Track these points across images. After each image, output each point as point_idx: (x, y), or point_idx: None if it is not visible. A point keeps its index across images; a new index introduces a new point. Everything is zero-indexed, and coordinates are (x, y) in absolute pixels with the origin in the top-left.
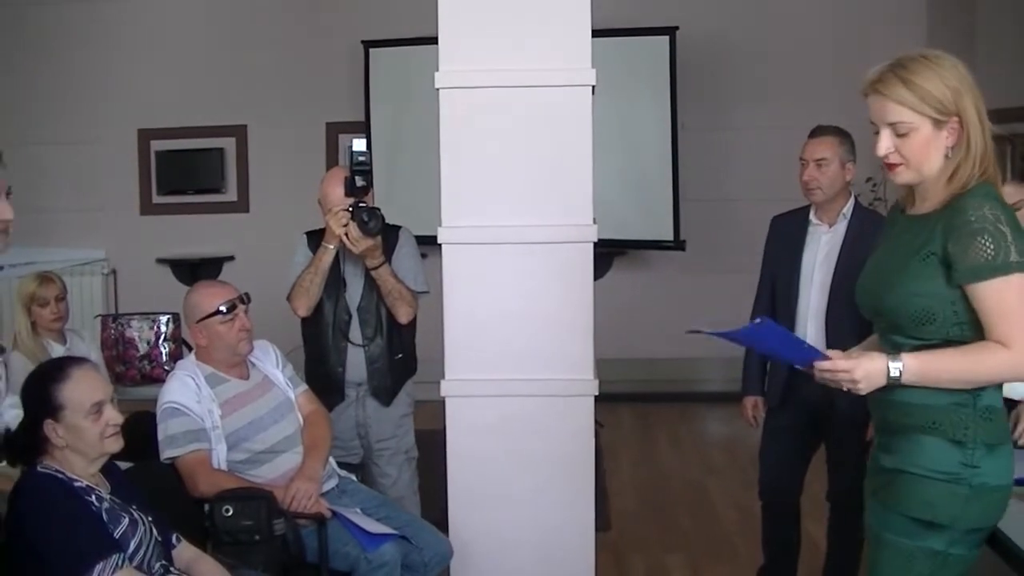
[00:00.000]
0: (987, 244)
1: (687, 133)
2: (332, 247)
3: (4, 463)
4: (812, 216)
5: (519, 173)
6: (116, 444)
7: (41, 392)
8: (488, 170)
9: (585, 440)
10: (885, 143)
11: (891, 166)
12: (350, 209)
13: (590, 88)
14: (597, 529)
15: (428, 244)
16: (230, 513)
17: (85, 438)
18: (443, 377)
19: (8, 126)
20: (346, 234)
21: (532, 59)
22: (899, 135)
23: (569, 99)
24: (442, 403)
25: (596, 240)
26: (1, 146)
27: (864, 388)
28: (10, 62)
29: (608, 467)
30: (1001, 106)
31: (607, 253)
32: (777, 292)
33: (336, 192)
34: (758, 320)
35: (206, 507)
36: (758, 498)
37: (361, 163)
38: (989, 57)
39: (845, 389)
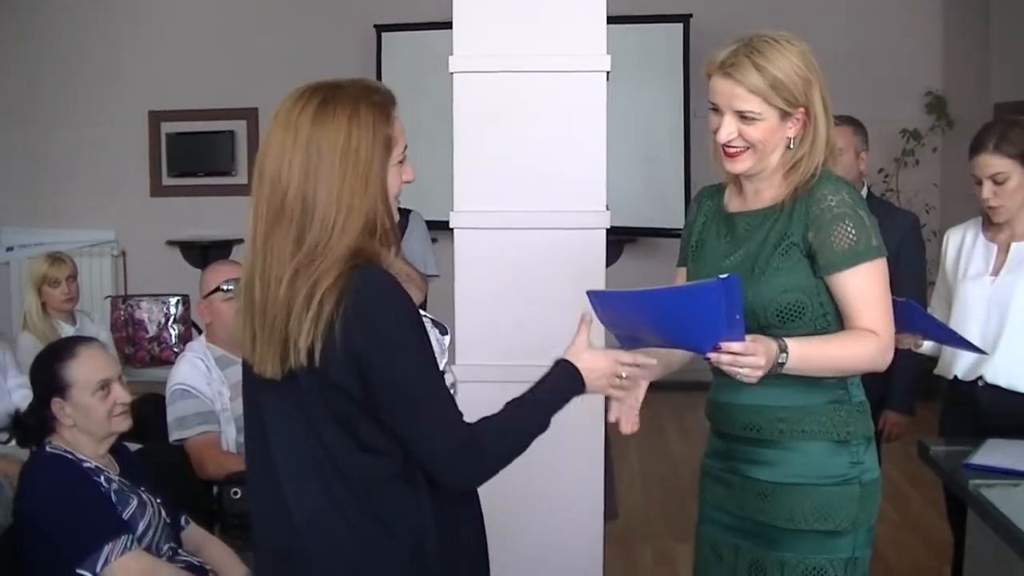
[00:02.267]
0: (849, 230)
1: (699, 121)
2: None
3: (13, 443)
4: None
5: (532, 159)
6: (124, 423)
7: (49, 371)
8: (501, 155)
9: (594, 428)
10: (728, 128)
11: (733, 153)
12: None
13: (604, 74)
14: (605, 518)
15: (440, 229)
16: (239, 495)
17: (92, 416)
18: (454, 363)
19: (20, 107)
20: None
21: (547, 44)
22: (744, 120)
23: (583, 85)
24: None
25: (608, 227)
26: (13, 127)
27: (756, 376)
28: (22, 43)
29: (616, 456)
30: (1018, 99)
31: (618, 240)
32: None
33: None
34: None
35: (215, 489)
36: None
37: None
38: (1003, 52)
39: (739, 378)
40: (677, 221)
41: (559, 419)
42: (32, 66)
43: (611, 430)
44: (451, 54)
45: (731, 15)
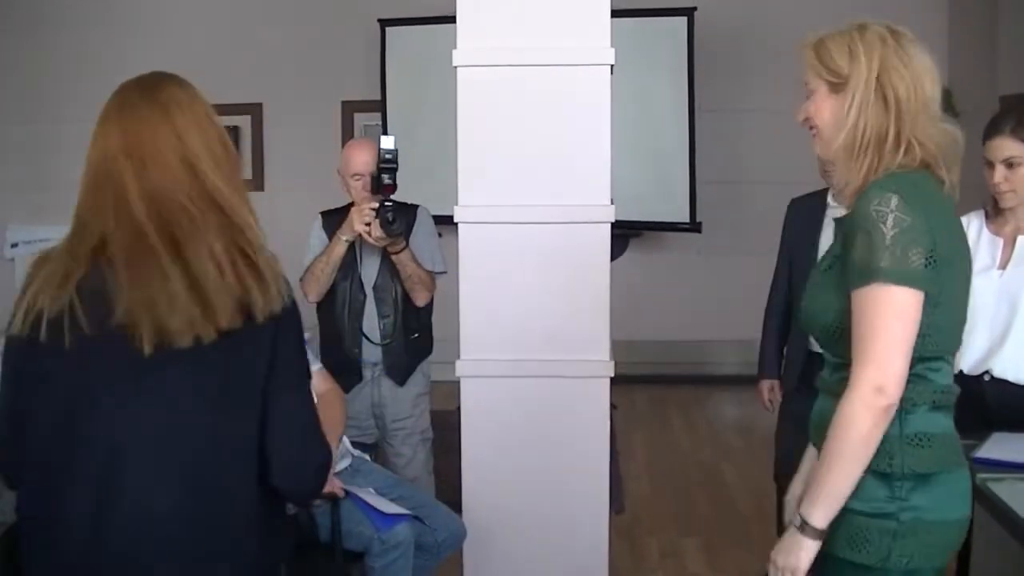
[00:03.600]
0: (862, 246)
1: (704, 114)
2: (346, 239)
3: None
4: (830, 199)
5: (536, 152)
6: None
7: None
8: (505, 149)
9: (600, 422)
10: (801, 107)
11: (812, 134)
12: (375, 208)
13: (609, 67)
14: (611, 511)
15: (444, 224)
16: None
17: None
18: (459, 357)
19: (21, 103)
20: (367, 232)
21: (551, 37)
22: (807, 96)
23: (588, 78)
24: (458, 384)
25: (613, 221)
26: (17, 124)
27: (802, 565)
28: (25, 39)
29: (623, 450)
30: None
31: (623, 235)
32: (794, 275)
33: (358, 158)
34: None
35: None
36: (773, 481)
37: (388, 161)
38: (1010, 45)
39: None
40: (682, 215)
41: (565, 413)
42: (35, 62)
43: (617, 423)
44: (455, 48)
45: (735, 8)
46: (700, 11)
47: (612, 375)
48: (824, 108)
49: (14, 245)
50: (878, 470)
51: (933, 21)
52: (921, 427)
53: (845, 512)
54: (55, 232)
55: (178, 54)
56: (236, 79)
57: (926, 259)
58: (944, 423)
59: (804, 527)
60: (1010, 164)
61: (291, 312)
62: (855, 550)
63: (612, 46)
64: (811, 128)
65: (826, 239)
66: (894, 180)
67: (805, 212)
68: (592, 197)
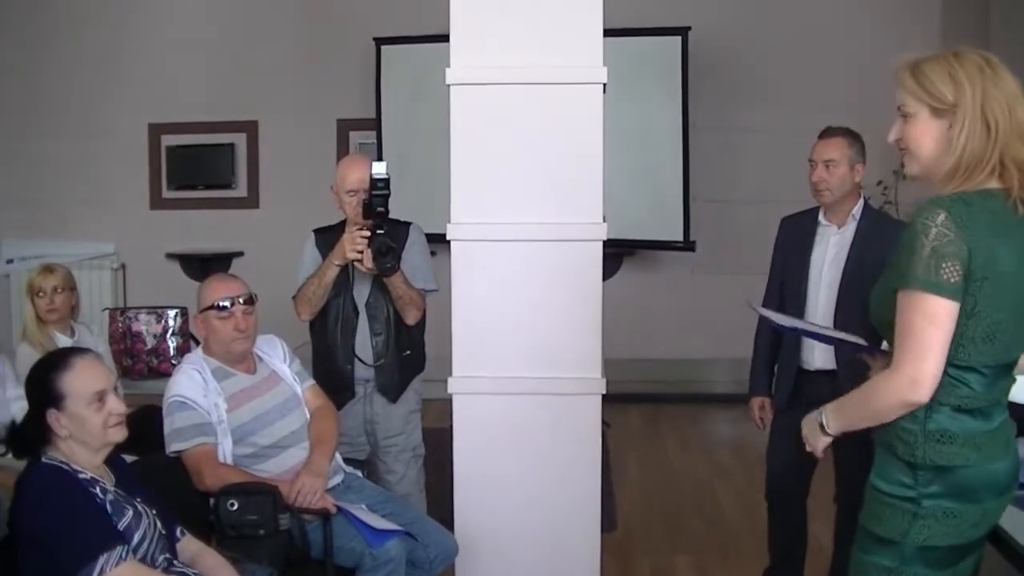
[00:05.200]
0: (905, 254)
1: (698, 133)
2: (338, 264)
3: (9, 455)
4: (821, 217)
5: (529, 170)
6: (119, 434)
7: (44, 381)
8: (498, 167)
9: (592, 439)
10: (894, 128)
11: (902, 154)
12: (367, 237)
13: (601, 86)
14: (603, 529)
15: (437, 242)
16: (235, 507)
17: (88, 427)
18: (451, 375)
19: (19, 119)
20: (359, 260)
21: (544, 56)
22: (905, 121)
23: (580, 97)
24: (450, 401)
25: (606, 239)
26: (12, 140)
27: (819, 447)
28: (21, 55)
29: (615, 467)
30: None
31: (617, 253)
32: (786, 292)
33: (353, 174)
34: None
35: (211, 501)
36: (765, 499)
37: (380, 187)
38: (1004, 56)
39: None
40: (676, 234)
41: (557, 430)
42: (33, 78)
43: (609, 441)
44: (448, 66)
45: (730, 28)
46: (694, 31)
47: (604, 392)
48: (925, 132)
49: (9, 261)
50: (903, 459)
51: (926, 39)
52: (945, 425)
53: (873, 490)
54: (51, 248)
55: (174, 73)
56: (232, 97)
57: (961, 274)
58: (971, 424)
59: (823, 424)
60: None
61: None
62: (878, 524)
63: (605, 65)
64: (902, 148)
65: (817, 256)
66: (950, 199)
67: (797, 230)
68: (585, 215)
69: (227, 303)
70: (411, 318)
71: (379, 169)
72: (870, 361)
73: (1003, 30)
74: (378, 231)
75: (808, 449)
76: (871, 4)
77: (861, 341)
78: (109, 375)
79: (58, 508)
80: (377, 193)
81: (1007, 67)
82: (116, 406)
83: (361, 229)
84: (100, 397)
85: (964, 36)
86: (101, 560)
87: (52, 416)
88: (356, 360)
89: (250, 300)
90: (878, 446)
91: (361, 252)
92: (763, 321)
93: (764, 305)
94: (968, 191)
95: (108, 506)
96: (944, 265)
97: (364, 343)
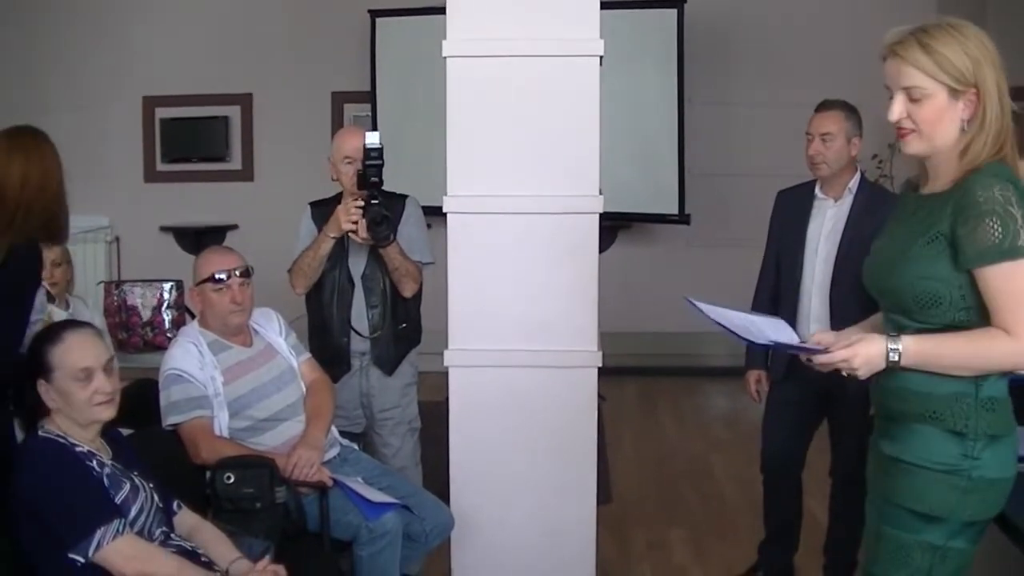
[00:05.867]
0: (995, 226)
1: (693, 106)
2: (333, 236)
3: None
4: (818, 190)
5: (525, 143)
6: (106, 412)
7: (37, 352)
8: (494, 140)
9: (588, 412)
10: (898, 108)
11: (903, 133)
12: (361, 207)
13: (598, 59)
14: (599, 502)
15: (434, 214)
16: (232, 480)
17: (73, 402)
18: (447, 348)
19: (12, 93)
20: (354, 231)
21: (540, 29)
22: (913, 101)
23: (577, 69)
24: (446, 375)
25: (602, 212)
26: (5, 113)
27: (864, 373)
28: (15, 30)
29: (611, 440)
30: (1014, 84)
31: (612, 226)
32: (782, 266)
33: (349, 143)
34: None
35: (208, 474)
36: (760, 472)
37: (374, 158)
38: (1001, 35)
39: (845, 375)
40: (671, 207)
41: (553, 403)
42: (25, 52)
43: (605, 414)
44: (445, 39)
45: (725, 2)
46: (690, 3)
47: (600, 365)
48: (943, 113)
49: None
50: (954, 430)
51: (922, 9)
52: (993, 392)
53: (915, 468)
54: None
55: (168, 45)
56: (226, 70)
57: None
58: (1005, 389)
59: (897, 352)
60: None
61: None
62: (920, 501)
63: (601, 38)
64: (902, 129)
65: (814, 230)
66: (999, 168)
67: (793, 204)
68: (581, 188)
69: (223, 276)
70: (408, 290)
71: (372, 139)
72: (816, 358)
73: (999, 7)
74: (373, 201)
75: (845, 373)
76: None
77: (794, 341)
78: (102, 352)
79: (55, 482)
80: (371, 163)
81: (1004, 46)
82: (103, 385)
83: (356, 200)
84: (87, 375)
85: (961, 12)
86: (98, 534)
87: (42, 387)
88: (352, 332)
89: (246, 273)
90: (909, 421)
91: (356, 223)
92: (758, 295)
93: (761, 278)
94: (993, 164)
95: (105, 479)
96: None
97: (360, 316)
